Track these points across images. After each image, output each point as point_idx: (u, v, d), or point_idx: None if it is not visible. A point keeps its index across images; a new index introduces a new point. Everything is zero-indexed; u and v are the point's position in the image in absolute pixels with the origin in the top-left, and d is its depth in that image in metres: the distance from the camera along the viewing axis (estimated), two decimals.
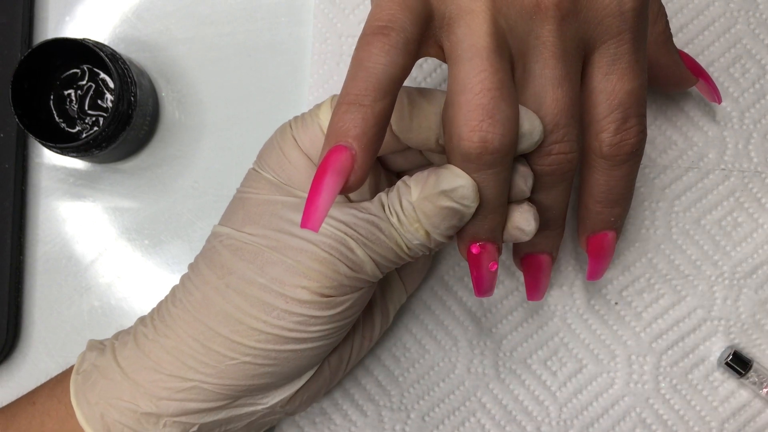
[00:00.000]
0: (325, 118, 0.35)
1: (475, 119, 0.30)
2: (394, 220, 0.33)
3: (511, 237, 0.34)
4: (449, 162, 0.32)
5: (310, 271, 0.33)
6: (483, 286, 0.35)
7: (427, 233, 0.33)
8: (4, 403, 0.38)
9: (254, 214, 0.35)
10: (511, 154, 0.31)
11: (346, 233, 0.33)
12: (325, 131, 0.33)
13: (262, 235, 0.34)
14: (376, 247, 0.33)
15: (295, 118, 0.36)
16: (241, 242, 0.34)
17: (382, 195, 0.34)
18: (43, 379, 0.39)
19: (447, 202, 0.32)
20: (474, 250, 0.34)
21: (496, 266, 0.34)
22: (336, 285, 0.33)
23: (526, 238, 0.34)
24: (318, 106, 0.35)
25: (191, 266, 0.36)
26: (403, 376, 0.44)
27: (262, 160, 0.36)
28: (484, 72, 0.30)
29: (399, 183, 0.33)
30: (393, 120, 0.33)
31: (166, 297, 0.37)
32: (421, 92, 0.33)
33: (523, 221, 0.34)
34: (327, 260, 0.33)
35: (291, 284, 0.33)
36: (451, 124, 0.31)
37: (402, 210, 0.33)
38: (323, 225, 0.33)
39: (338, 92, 0.34)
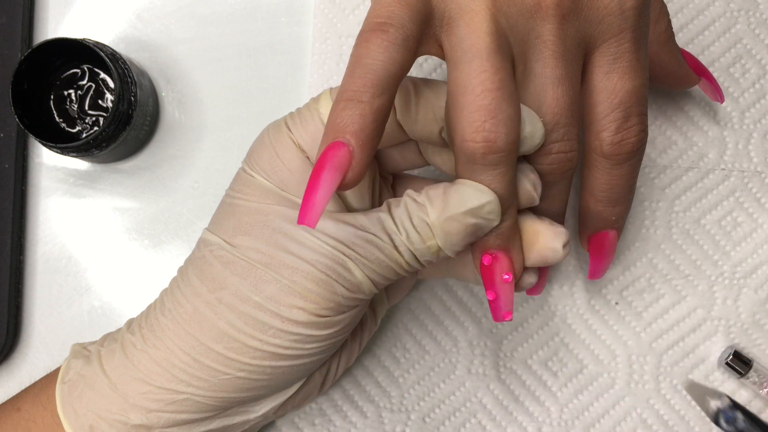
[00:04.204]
0: (325, 110, 0.33)
1: (478, 120, 0.30)
2: (402, 237, 0.32)
3: (541, 258, 0.34)
4: (456, 163, 0.32)
5: (306, 292, 0.32)
6: (498, 303, 0.34)
7: (438, 249, 0.32)
8: None
9: (245, 223, 0.33)
10: (515, 154, 0.31)
11: (343, 252, 0.32)
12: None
13: (255, 248, 0.33)
14: (374, 266, 0.32)
15: (291, 114, 0.35)
16: (233, 255, 0.33)
17: (382, 214, 0.33)
18: None
19: (473, 220, 0.31)
20: (485, 261, 0.33)
21: (510, 277, 0.33)
22: (333, 306, 0.33)
23: (558, 258, 0.34)
24: (315, 100, 0.34)
25: (181, 272, 0.35)
26: (403, 377, 0.44)
27: (252, 160, 0.35)
28: (485, 73, 0.30)
29: (406, 199, 0.32)
30: (398, 109, 0.33)
31: (155, 303, 0.35)
32: (428, 83, 0.33)
33: (552, 240, 0.34)
34: (323, 281, 0.32)
35: (286, 304, 0.32)
36: (454, 125, 0.31)
37: (414, 228, 0.32)
38: (319, 242, 0.32)
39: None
